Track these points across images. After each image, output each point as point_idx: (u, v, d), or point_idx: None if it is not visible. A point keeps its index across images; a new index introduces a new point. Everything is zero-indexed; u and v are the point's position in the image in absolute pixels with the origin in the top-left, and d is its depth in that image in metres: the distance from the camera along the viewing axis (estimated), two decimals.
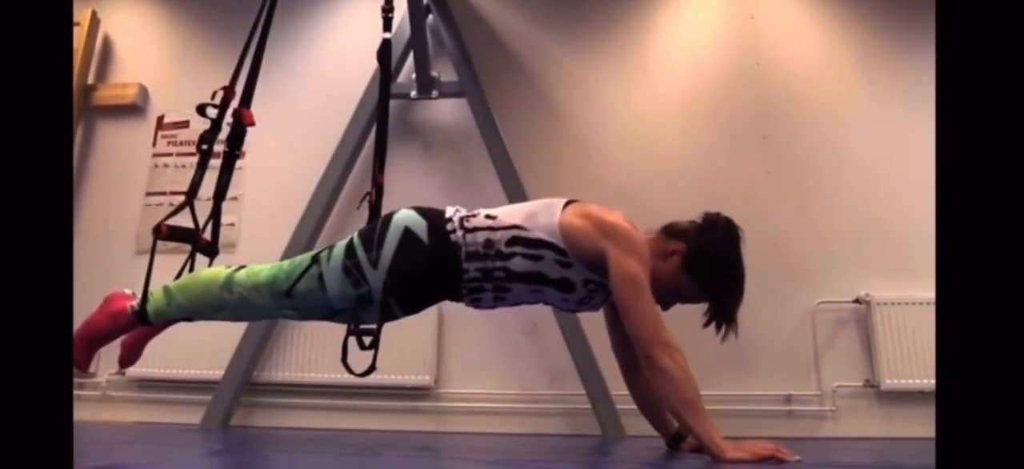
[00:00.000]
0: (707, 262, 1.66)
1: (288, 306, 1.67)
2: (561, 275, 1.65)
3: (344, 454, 1.75)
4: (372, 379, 2.02)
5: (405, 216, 1.68)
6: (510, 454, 1.84)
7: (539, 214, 1.67)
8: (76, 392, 3.40)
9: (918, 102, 3.40)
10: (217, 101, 1.97)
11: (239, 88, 2.09)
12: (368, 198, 2.15)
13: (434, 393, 3.32)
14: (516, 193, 3.29)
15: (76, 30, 3.84)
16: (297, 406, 3.35)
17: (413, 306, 1.71)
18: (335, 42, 3.90)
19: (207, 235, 2.00)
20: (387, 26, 2.31)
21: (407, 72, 3.68)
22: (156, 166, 3.81)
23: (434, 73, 3.66)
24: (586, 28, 3.77)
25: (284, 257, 3.30)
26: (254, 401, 3.38)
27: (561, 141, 3.61)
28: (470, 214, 1.71)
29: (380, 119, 2.29)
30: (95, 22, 3.96)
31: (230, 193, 3.66)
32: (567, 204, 1.70)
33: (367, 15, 3.66)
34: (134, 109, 3.91)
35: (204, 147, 1.92)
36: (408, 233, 1.64)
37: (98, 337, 1.74)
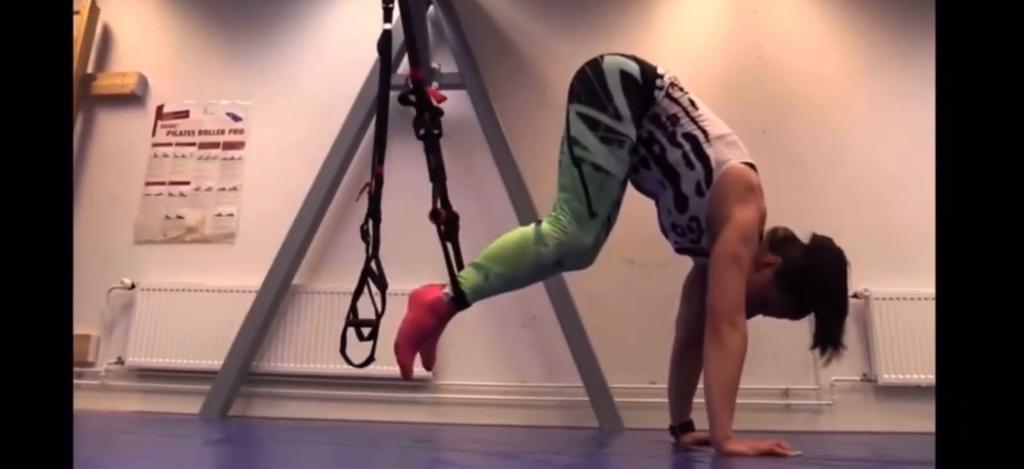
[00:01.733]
0: (803, 284, 1.68)
1: (597, 226, 1.66)
2: (686, 194, 1.68)
3: (343, 445, 1.76)
4: (371, 370, 2.02)
5: (614, 61, 1.71)
6: (508, 446, 1.84)
7: (726, 141, 1.69)
8: (75, 381, 3.41)
9: (918, 97, 3.40)
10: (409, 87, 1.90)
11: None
12: (367, 189, 2.15)
13: (433, 385, 3.33)
14: (516, 185, 3.29)
15: (75, 19, 3.82)
16: (296, 396, 3.36)
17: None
18: (336, 33, 3.89)
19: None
20: (387, 17, 2.30)
21: (407, 63, 3.66)
22: (155, 156, 3.80)
23: (435, 65, 3.66)
24: (587, 20, 3.76)
25: (283, 248, 3.33)
26: (253, 391, 3.38)
27: (561, 132, 3.60)
28: (679, 86, 1.73)
29: (380, 110, 2.29)
30: (95, 11, 3.94)
31: (230, 183, 3.69)
32: (749, 165, 1.70)
33: (368, 6, 3.65)
34: (133, 98, 3.90)
35: (422, 131, 1.87)
36: (624, 74, 1.68)
37: (424, 334, 1.68)
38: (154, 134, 3.85)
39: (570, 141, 1.69)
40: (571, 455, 1.60)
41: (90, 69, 3.94)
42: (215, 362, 3.27)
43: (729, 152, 1.68)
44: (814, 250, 1.71)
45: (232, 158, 3.73)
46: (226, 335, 3.26)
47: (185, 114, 3.84)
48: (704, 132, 1.68)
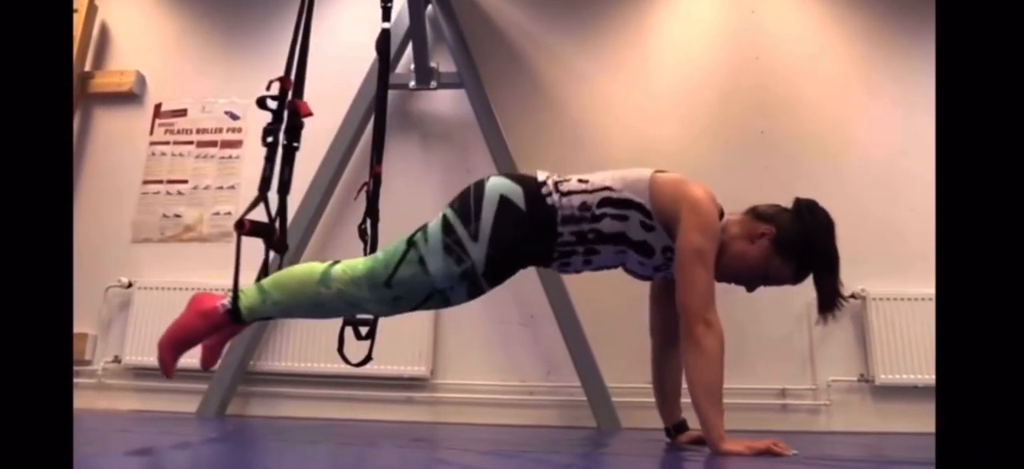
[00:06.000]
0: (799, 246, 1.67)
1: (388, 296, 1.63)
2: (643, 238, 1.67)
3: (340, 444, 1.76)
4: (368, 369, 2.03)
5: (498, 184, 1.67)
6: (506, 445, 1.84)
7: (628, 175, 1.70)
8: (73, 380, 3.40)
9: (917, 98, 3.41)
10: (274, 92, 1.91)
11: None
12: (366, 188, 2.15)
13: (430, 384, 3.33)
14: None
15: (73, 17, 3.82)
16: (293, 396, 3.36)
17: (504, 276, 1.69)
18: (334, 32, 3.88)
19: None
20: (386, 16, 2.30)
21: (406, 62, 3.67)
22: (153, 154, 3.80)
23: (433, 64, 3.66)
24: (585, 20, 3.76)
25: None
26: (250, 390, 3.38)
27: (559, 132, 3.61)
28: (563, 178, 1.72)
29: (378, 109, 2.30)
30: (92, 8, 3.94)
31: (227, 182, 3.69)
32: (658, 171, 1.72)
33: (366, 5, 3.65)
34: (131, 97, 3.90)
35: (269, 140, 1.86)
36: (504, 201, 1.63)
37: (189, 339, 1.68)
38: (152, 132, 3.84)
39: (421, 228, 1.67)
40: (569, 455, 1.60)
41: (88, 67, 3.94)
42: None
43: (637, 176, 1.69)
44: (805, 212, 1.71)
45: (230, 157, 3.73)
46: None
47: (183, 113, 3.83)
48: (608, 188, 1.67)
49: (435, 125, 3.70)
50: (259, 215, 1.77)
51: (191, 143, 3.78)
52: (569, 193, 1.67)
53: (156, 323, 3.45)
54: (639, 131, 3.56)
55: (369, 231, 2.09)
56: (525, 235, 1.64)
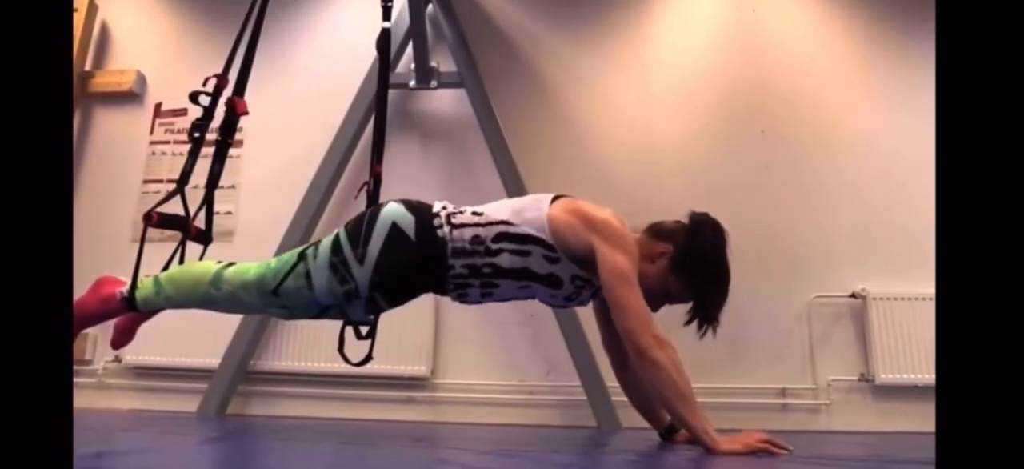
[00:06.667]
0: (696, 264, 1.67)
1: (275, 304, 1.66)
2: (548, 271, 1.66)
3: (340, 443, 1.76)
4: (369, 369, 2.02)
5: (392, 211, 1.67)
6: (506, 445, 1.84)
7: (526, 209, 1.67)
8: (73, 379, 3.41)
9: (917, 98, 3.40)
10: (210, 89, 1.96)
11: (233, 76, 2.08)
12: (366, 187, 2.15)
13: (430, 383, 3.33)
14: (513, 184, 3.29)
15: (73, 16, 3.82)
16: (293, 395, 3.36)
17: (399, 299, 1.71)
18: (334, 31, 3.88)
19: (200, 223, 2.00)
20: (386, 15, 2.30)
21: (406, 62, 3.67)
22: (153, 154, 3.80)
23: (433, 63, 3.66)
24: (586, 20, 3.76)
25: (281, 246, 3.32)
26: (250, 390, 3.38)
27: (559, 132, 3.61)
28: (457, 210, 1.70)
29: (379, 109, 2.29)
30: (93, 8, 3.94)
31: (228, 181, 3.68)
32: (555, 199, 1.70)
33: (367, 4, 3.65)
34: (131, 96, 3.90)
35: (196, 135, 1.92)
36: (395, 229, 1.64)
37: (85, 319, 1.73)
38: (152, 132, 3.84)
39: (315, 243, 1.69)
40: (569, 454, 1.60)
41: (88, 67, 3.94)
42: (213, 360, 3.26)
43: (534, 211, 1.66)
44: (700, 226, 1.70)
45: (230, 157, 3.71)
46: (224, 333, 3.25)
47: (183, 112, 3.83)
48: (504, 222, 1.65)
49: (435, 125, 3.70)
50: (174, 208, 1.89)
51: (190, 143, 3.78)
52: (461, 225, 1.66)
53: (156, 323, 3.42)
54: (639, 130, 3.56)
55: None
56: (412, 264, 1.64)
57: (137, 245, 1.79)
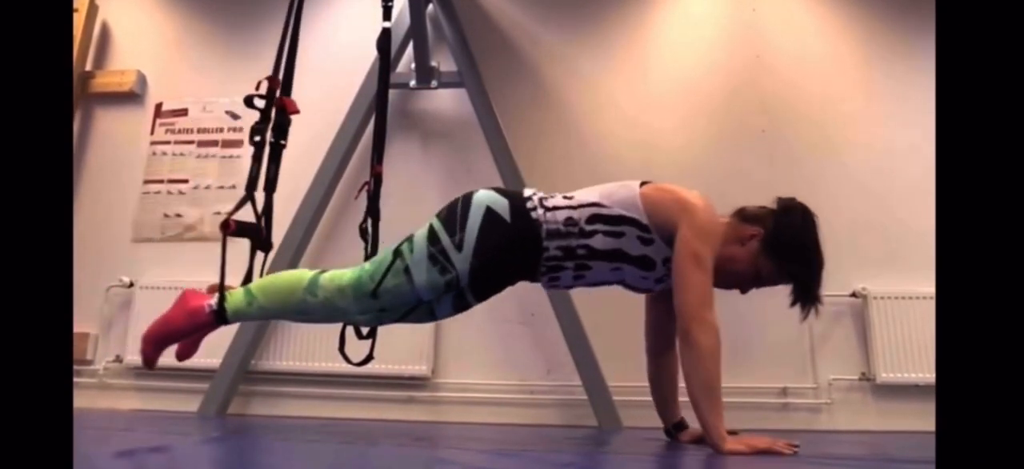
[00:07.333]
0: (785, 247, 1.67)
1: (374, 307, 1.64)
2: (641, 252, 1.67)
3: (341, 443, 1.76)
4: (369, 369, 2.02)
5: (484, 196, 1.68)
6: (507, 444, 1.84)
7: (616, 192, 1.69)
8: (74, 379, 3.41)
9: (918, 96, 3.40)
10: (262, 91, 1.92)
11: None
12: (366, 188, 2.15)
13: (431, 383, 3.33)
14: (514, 184, 3.29)
15: (74, 16, 3.82)
16: (294, 395, 3.36)
17: (491, 289, 1.70)
18: (335, 31, 3.88)
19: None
20: (387, 15, 2.30)
21: (406, 62, 3.67)
22: (154, 154, 3.80)
23: (433, 63, 3.66)
24: (587, 19, 3.76)
25: (281, 245, 3.32)
26: (251, 389, 3.38)
27: (560, 132, 3.61)
28: (548, 195, 1.72)
29: (379, 108, 2.29)
30: (93, 8, 3.94)
31: (228, 181, 3.69)
32: (642, 185, 1.71)
33: (367, 4, 3.65)
34: (132, 96, 3.90)
35: (256, 139, 1.87)
36: (490, 212, 1.64)
37: (173, 335, 1.68)
38: (152, 132, 3.84)
39: (408, 238, 1.68)
40: (570, 453, 1.60)
41: (88, 67, 3.94)
42: (213, 360, 3.26)
43: (625, 192, 1.68)
44: (790, 210, 1.71)
45: (231, 156, 3.73)
46: (225, 333, 3.22)
47: (183, 112, 3.84)
48: (596, 204, 1.67)
49: (436, 124, 3.70)
50: (239, 214, 1.78)
51: (192, 142, 3.78)
52: (554, 208, 1.67)
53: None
54: (640, 129, 3.56)
55: (370, 231, 2.08)
56: (510, 247, 1.65)
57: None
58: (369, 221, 2.10)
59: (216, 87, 3.84)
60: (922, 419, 2.95)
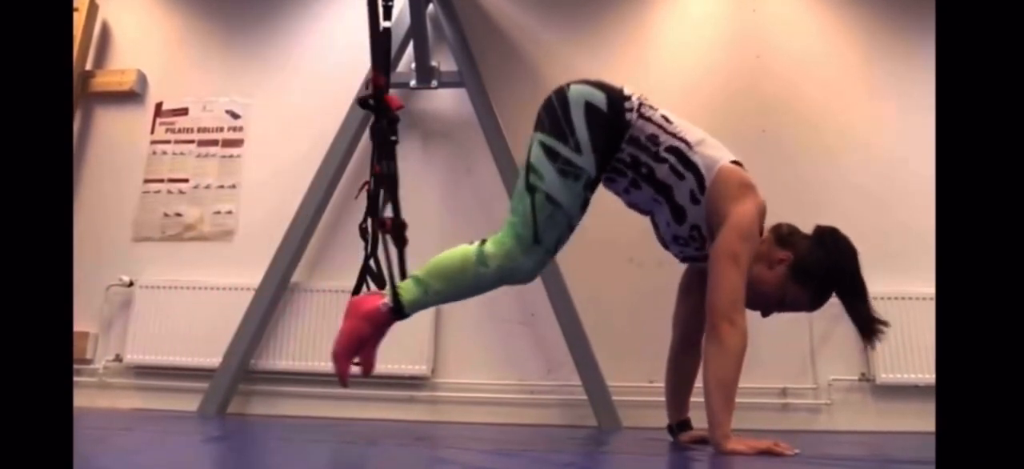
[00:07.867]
0: (813, 275, 1.68)
1: (541, 251, 1.64)
2: (682, 204, 1.68)
3: (341, 443, 1.76)
4: None
5: (580, 90, 1.69)
6: (507, 444, 1.84)
7: (708, 145, 1.71)
8: (74, 378, 3.41)
9: (918, 97, 3.40)
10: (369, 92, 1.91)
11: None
12: (366, 187, 2.14)
13: (431, 383, 3.33)
14: (514, 183, 3.29)
15: (74, 16, 3.82)
16: (294, 395, 3.36)
17: (607, 169, 1.71)
18: (335, 30, 3.88)
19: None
20: (387, 15, 2.30)
21: (407, 61, 3.67)
22: (154, 153, 3.80)
23: (434, 63, 3.65)
24: (586, 19, 3.76)
25: (281, 246, 3.33)
26: (251, 389, 3.38)
27: None
28: (649, 105, 1.73)
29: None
30: (93, 8, 3.94)
31: (228, 181, 3.69)
32: (736, 162, 1.72)
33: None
34: (132, 96, 3.90)
35: (393, 138, 1.87)
36: (589, 106, 1.66)
37: (361, 343, 1.66)
38: (153, 131, 3.84)
39: (528, 168, 1.67)
40: (569, 453, 1.60)
41: (89, 66, 3.94)
42: (213, 360, 3.26)
43: (715, 153, 1.69)
44: (824, 239, 1.71)
45: (231, 156, 3.73)
46: (224, 333, 3.25)
47: (184, 112, 3.83)
48: (685, 142, 1.68)
49: (436, 124, 3.70)
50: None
51: (192, 142, 3.78)
52: (647, 119, 1.68)
53: (157, 322, 3.46)
54: None
55: (370, 230, 2.08)
56: (607, 136, 1.66)
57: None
58: (369, 221, 2.10)
59: (216, 86, 3.84)
60: (922, 420, 2.95)
